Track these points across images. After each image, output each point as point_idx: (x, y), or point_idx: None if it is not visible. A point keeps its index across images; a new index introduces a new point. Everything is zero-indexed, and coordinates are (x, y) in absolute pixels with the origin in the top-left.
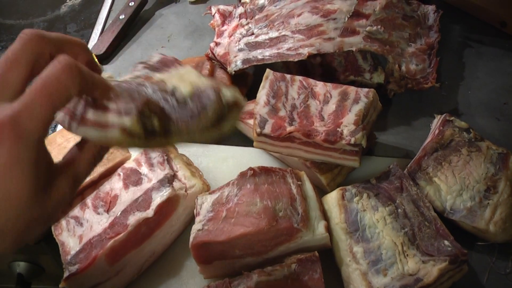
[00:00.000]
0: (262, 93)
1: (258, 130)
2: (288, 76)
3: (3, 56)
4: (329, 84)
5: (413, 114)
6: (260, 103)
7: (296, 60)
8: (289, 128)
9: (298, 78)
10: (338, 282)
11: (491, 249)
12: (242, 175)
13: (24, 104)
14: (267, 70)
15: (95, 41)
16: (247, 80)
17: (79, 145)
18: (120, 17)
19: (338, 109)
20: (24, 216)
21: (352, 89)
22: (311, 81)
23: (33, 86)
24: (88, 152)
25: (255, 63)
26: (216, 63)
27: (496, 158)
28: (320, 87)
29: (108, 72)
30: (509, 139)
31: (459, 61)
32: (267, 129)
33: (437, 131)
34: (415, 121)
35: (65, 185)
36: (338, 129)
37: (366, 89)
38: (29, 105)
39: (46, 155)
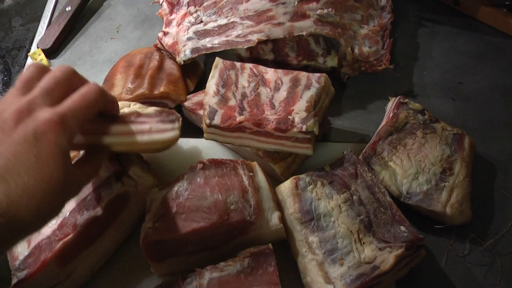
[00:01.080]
0: (212, 83)
1: (208, 121)
2: (238, 64)
3: (53, 75)
4: (280, 70)
5: (368, 97)
6: (210, 93)
7: (245, 47)
8: (239, 118)
9: (249, 65)
10: (294, 274)
11: (449, 232)
12: (192, 168)
13: (69, 109)
14: (217, 58)
15: (41, 34)
16: (198, 69)
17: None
18: (67, 9)
19: (289, 96)
20: (59, 198)
21: (303, 75)
22: (262, 68)
23: (74, 97)
24: (95, 162)
25: (204, 52)
26: (165, 53)
27: (452, 139)
28: (270, 74)
29: (57, 66)
30: (464, 119)
31: (413, 41)
32: (217, 120)
33: (391, 114)
34: (370, 105)
35: (90, 165)
36: (289, 116)
37: (317, 74)
38: (72, 109)
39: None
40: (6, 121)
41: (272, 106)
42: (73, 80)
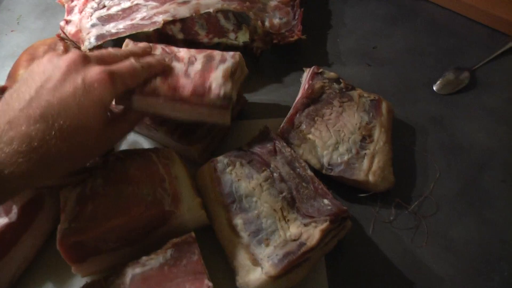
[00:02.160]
0: None
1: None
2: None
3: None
4: (193, 50)
5: (283, 70)
6: None
7: (151, 29)
8: (154, 81)
9: (160, 45)
10: (221, 260)
11: (374, 200)
12: (104, 162)
13: (119, 69)
14: (126, 40)
15: None
16: None
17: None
18: None
19: (205, 67)
20: (97, 143)
21: (217, 53)
22: (174, 48)
23: (125, 63)
24: (131, 117)
25: (109, 38)
26: (70, 42)
27: (369, 105)
28: (184, 52)
29: None
30: (381, 84)
31: (324, 9)
32: None
33: (306, 86)
34: (286, 77)
35: (117, 132)
36: (206, 82)
37: (231, 52)
38: (121, 72)
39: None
40: (59, 67)
41: (187, 77)
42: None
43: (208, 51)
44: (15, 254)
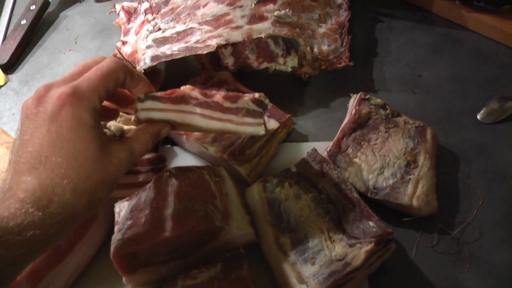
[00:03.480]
0: None
1: (142, 95)
2: None
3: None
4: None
5: (330, 95)
6: None
7: (205, 52)
8: (183, 87)
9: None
10: (268, 277)
11: (417, 224)
12: (158, 178)
13: (83, 80)
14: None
15: None
16: (159, 76)
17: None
18: (22, 22)
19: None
20: (92, 176)
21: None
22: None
23: (90, 70)
24: (145, 135)
25: (164, 59)
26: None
27: (414, 132)
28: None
29: (15, 81)
30: (425, 111)
31: (371, 37)
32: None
33: (353, 111)
34: (332, 103)
35: (122, 154)
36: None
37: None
38: (86, 79)
39: (101, 127)
40: (29, 107)
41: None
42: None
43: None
44: (69, 262)
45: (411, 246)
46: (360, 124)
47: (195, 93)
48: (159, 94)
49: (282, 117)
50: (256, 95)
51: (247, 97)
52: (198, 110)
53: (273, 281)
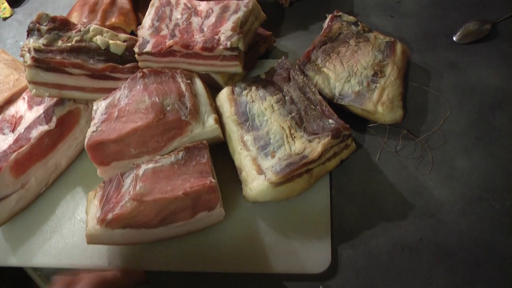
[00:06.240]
0: (147, 19)
1: (137, 50)
2: (173, 0)
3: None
4: (212, 2)
5: (310, 19)
6: (144, 26)
7: None
8: (168, 42)
9: (183, 1)
10: (233, 173)
11: (382, 131)
12: (133, 78)
13: None
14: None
15: None
16: (149, 4)
17: None
18: None
19: (218, 20)
20: None
21: (233, 2)
22: (196, 2)
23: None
24: None
25: None
26: None
27: (384, 46)
28: (203, 5)
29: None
30: (401, 33)
31: None
32: (148, 47)
33: (325, 27)
34: (312, 25)
35: None
36: (215, 36)
37: (246, 0)
38: None
39: None
40: None
41: (202, 31)
42: None
43: (225, 2)
44: (51, 159)
45: (375, 151)
46: (331, 38)
47: (178, 46)
48: (151, 50)
49: (263, 33)
50: (228, 44)
51: (221, 46)
52: (184, 60)
53: (236, 177)
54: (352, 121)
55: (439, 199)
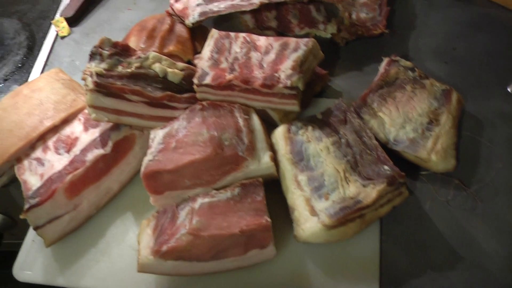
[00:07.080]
0: (206, 50)
1: (197, 81)
2: (232, 34)
3: None
4: (271, 37)
5: (365, 60)
6: (204, 58)
7: (249, 9)
8: (228, 77)
9: (242, 35)
10: (284, 211)
11: (434, 179)
12: (191, 109)
13: None
14: (212, 29)
15: (65, 5)
16: (206, 33)
17: None
18: None
19: (277, 57)
20: None
21: (292, 40)
22: (255, 36)
23: None
24: None
25: (211, 15)
26: (176, 18)
27: (440, 94)
28: (262, 41)
29: (77, 33)
30: (455, 80)
31: (410, 11)
32: (208, 80)
33: (382, 71)
34: (366, 67)
35: None
36: (275, 74)
37: (306, 39)
38: None
39: None
40: None
41: (261, 67)
42: None
43: (285, 39)
44: (104, 183)
45: (426, 199)
46: (388, 82)
47: (238, 81)
48: (211, 83)
49: (319, 71)
50: (288, 83)
51: (281, 84)
52: (242, 95)
53: (288, 216)
54: (404, 167)
55: (489, 252)
